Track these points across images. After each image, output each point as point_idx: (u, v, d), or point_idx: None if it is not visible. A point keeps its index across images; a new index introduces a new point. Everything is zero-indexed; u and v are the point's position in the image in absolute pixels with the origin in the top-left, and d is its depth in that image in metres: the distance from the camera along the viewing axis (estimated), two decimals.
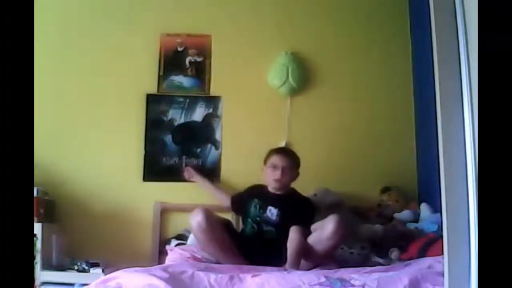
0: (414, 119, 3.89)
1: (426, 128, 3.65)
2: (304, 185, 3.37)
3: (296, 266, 2.72)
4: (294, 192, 3.26)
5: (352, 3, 4.03)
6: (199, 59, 3.90)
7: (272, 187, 3.21)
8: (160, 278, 1.96)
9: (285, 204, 3.14)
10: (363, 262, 2.97)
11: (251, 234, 3.14)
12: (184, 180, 3.71)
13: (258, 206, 3.17)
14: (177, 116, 3.83)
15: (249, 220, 3.17)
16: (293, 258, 2.76)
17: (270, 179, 3.19)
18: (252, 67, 3.88)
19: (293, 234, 2.82)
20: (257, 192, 3.27)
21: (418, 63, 3.84)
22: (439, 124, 1.52)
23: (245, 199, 3.28)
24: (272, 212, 3.12)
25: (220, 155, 3.79)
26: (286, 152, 3.28)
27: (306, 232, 2.86)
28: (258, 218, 3.14)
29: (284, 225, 2.96)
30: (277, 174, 3.13)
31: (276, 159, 3.18)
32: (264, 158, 3.26)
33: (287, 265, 2.75)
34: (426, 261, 2.45)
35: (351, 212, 3.55)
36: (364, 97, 3.91)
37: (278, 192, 3.20)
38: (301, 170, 3.28)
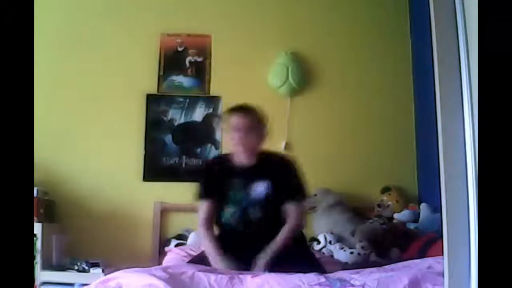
0: (414, 119, 3.89)
1: (426, 128, 3.65)
2: None
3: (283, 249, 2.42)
4: (269, 155, 2.67)
5: (352, 3, 4.04)
6: (199, 59, 3.90)
7: (239, 157, 2.57)
8: (160, 278, 1.95)
9: (267, 172, 2.56)
10: (363, 262, 2.97)
11: (235, 229, 2.55)
12: (184, 180, 3.71)
13: (240, 187, 2.54)
14: (177, 116, 3.83)
15: (229, 210, 2.55)
16: (286, 240, 2.44)
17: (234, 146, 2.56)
18: (252, 67, 3.89)
19: (293, 213, 2.50)
20: (225, 169, 2.60)
21: (418, 63, 3.85)
22: (439, 124, 1.52)
23: (215, 187, 2.58)
24: (260, 190, 2.53)
25: None
26: (245, 109, 2.61)
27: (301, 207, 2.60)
28: (244, 207, 2.52)
29: (276, 201, 2.52)
30: (238, 137, 2.52)
31: (234, 120, 2.56)
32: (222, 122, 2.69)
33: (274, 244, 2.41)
34: (426, 261, 2.45)
35: (351, 212, 3.55)
36: (364, 97, 3.92)
37: (251, 162, 2.57)
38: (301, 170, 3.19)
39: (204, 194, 2.60)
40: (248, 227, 2.53)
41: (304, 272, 2.17)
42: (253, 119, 2.57)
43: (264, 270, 2.32)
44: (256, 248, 2.40)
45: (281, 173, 2.58)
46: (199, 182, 2.65)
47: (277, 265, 2.32)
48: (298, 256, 2.48)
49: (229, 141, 2.58)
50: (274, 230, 2.48)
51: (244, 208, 2.53)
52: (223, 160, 2.65)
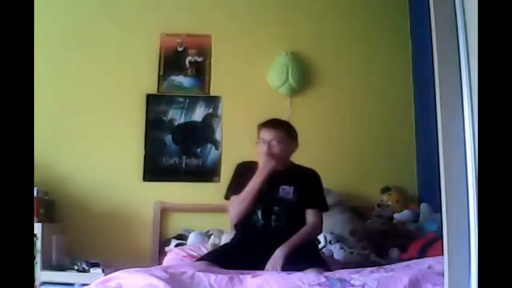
0: (414, 119, 3.89)
1: (426, 128, 3.65)
2: None
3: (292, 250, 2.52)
4: (297, 165, 2.84)
5: (352, 3, 4.04)
6: (199, 59, 3.90)
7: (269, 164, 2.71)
8: (160, 278, 1.95)
9: (294, 179, 2.73)
10: (363, 262, 2.97)
11: (259, 227, 2.67)
12: (184, 180, 3.71)
13: (267, 188, 2.66)
14: (177, 116, 3.84)
15: (254, 209, 2.66)
16: (300, 241, 2.55)
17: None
18: (252, 67, 3.89)
19: (314, 218, 2.65)
20: (254, 172, 2.71)
21: (418, 63, 3.85)
22: (439, 124, 1.52)
23: (244, 186, 2.70)
24: (286, 190, 2.69)
25: (220, 155, 3.79)
26: (273, 124, 2.79)
27: (321, 216, 2.72)
28: (268, 202, 2.66)
29: (299, 205, 2.67)
30: (265, 148, 2.68)
31: (263, 133, 2.75)
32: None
33: (286, 245, 2.52)
34: (426, 261, 2.45)
35: (351, 212, 3.55)
36: (364, 97, 3.92)
37: (279, 168, 2.71)
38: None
39: (232, 193, 2.74)
40: (270, 226, 2.65)
41: (310, 266, 2.31)
42: (282, 133, 2.74)
43: (276, 269, 2.41)
44: (276, 246, 2.52)
45: (307, 181, 2.77)
46: (229, 183, 2.82)
47: (288, 264, 2.44)
48: (305, 252, 2.56)
49: (259, 152, 2.71)
50: (294, 231, 2.60)
51: (268, 208, 2.66)
52: (254, 164, 2.73)
